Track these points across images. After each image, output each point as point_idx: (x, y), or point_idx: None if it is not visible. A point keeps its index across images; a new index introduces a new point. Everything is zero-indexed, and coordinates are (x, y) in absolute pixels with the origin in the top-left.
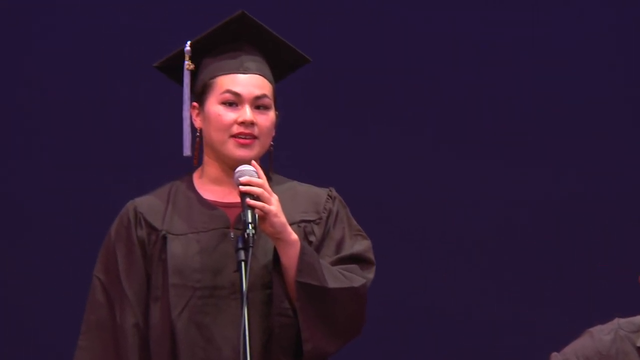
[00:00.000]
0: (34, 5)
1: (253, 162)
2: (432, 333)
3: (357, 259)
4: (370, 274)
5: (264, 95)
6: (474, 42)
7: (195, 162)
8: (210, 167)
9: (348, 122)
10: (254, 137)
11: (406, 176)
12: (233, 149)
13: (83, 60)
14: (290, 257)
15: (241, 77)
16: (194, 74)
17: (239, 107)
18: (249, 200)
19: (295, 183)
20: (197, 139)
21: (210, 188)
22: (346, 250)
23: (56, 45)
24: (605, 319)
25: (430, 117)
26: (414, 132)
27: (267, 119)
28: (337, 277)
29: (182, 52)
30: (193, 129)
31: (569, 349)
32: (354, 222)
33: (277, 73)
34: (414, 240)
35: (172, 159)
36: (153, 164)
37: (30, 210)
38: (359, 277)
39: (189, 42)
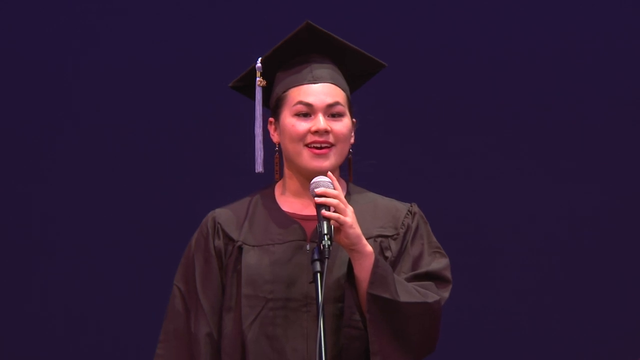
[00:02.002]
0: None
1: (329, 173)
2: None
3: (433, 277)
4: (446, 293)
5: (337, 103)
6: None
7: (276, 176)
8: (290, 180)
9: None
10: (330, 145)
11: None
12: (308, 160)
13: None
14: (364, 269)
15: (312, 87)
16: (268, 90)
17: (313, 117)
18: (324, 212)
19: (376, 196)
20: (276, 153)
21: (289, 200)
22: (423, 267)
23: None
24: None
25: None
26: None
27: (342, 125)
28: (410, 292)
29: (254, 69)
30: (271, 144)
31: None
32: (434, 239)
33: (352, 80)
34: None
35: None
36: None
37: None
38: (433, 294)
39: (259, 59)
